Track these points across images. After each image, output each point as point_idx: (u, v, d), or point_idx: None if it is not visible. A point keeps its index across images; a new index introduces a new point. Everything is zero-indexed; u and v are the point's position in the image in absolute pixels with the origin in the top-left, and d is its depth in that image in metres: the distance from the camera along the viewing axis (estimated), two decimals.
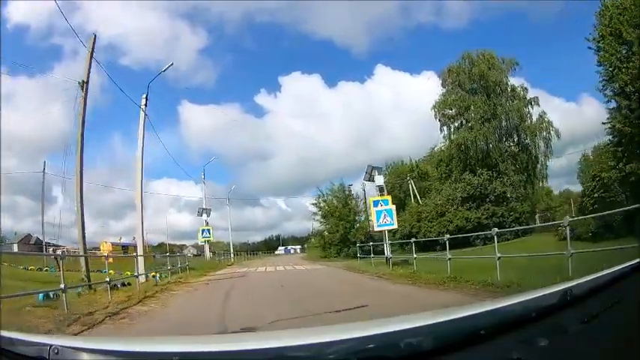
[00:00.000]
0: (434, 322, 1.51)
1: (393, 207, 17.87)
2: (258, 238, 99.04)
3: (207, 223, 33.07)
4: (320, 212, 36.83)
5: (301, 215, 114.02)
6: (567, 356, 1.36)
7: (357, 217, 36.45)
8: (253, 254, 60.15)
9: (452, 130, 35.14)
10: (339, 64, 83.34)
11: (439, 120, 35.25)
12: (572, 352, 1.37)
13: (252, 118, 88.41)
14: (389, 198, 18.55)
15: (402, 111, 72.77)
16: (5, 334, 1.48)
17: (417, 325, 1.49)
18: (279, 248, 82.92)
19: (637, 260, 1.69)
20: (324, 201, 36.77)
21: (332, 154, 75.85)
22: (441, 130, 35.60)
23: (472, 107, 33.07)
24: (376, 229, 18.02)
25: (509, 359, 1.28)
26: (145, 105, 17.22)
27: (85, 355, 1.38)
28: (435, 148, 40.05)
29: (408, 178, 40.70)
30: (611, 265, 1.73)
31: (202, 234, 32.43)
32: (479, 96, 33.05)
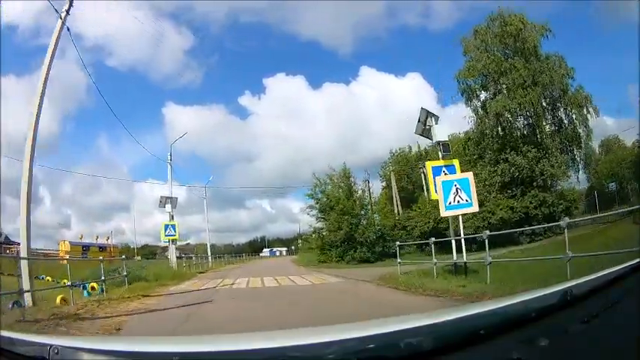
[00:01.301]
0: (434, 322, 1.51)
1: (470, 175, 11.46)
2: (242, 239, 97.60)
3: (172, 218, 25.01)
4: (317, 205, 30.03)
5: (286, 217, 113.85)
6: (567, 356, 1.36)
7: (363, 211, 30.31)
8: (237, 257, 55.20)
9: (484, 101, 28.18)
10: (325, 66, 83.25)
11: (463, 92, 28.63)
12: (572, 352, 1.37)
13: (237, 119, 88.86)
14: (456, 162, 12.34)
15: (387, 112, 72.79)
16: (5, 334, 1.48)
17: (417, 325, 1.50)
18: (264, 250, 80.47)
19: (637, 260, 1.69)
20: (323, 191, 30.02)
21: (316, 155, 75.83)
22: (468, 104, 28.90)
23: (509, 73, 26.27)
24: (444, 213, 11.26)
25: (509, 359, 1.28)
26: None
27: (85, 355, 1.38)
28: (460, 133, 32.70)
29: (421, 165, 32.04)
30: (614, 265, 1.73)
31: (165, 231, 24.39)
32: (516, 59, 26.42)
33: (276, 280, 15.97)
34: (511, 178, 25.75)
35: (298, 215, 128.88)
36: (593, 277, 1.70)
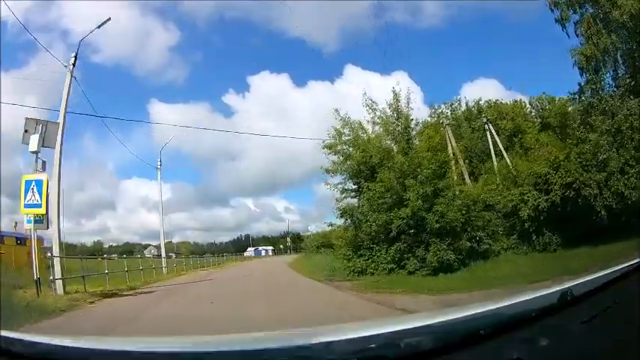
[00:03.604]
0: (434, 322, 1.51)
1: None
2: (226, 238, 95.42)
3: (41, 167, 12.68)
4: (344, 168, 16.75)
5: (270, 215, 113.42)
6: (567, 356, 1.36)
7: (447, 168, 16.27)
8: (220, 256, 48.40)
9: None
10: (309, 64, 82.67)
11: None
12: (572, 352, 1.37)
13: (221, 117, 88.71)
14: None
15: (372, 111, 72.10)
16: (5, 334, 1.48)
17: (417, 325, 1.50)
18: (249, 249, 76.40)
19: (637, 260, 1.69)
20: (354, 142, 16.86)
21: (301, 154, 75.13)
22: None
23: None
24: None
25: (509, 359, 1.28)
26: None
27: (84, 355, 1.38)
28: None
29: (485, 119, 23.02)
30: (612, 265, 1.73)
31: (25, 196, 11.84)
32: None
33: None
34: None
35: (283, 214, 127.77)
36: (593, 277, 1.70)
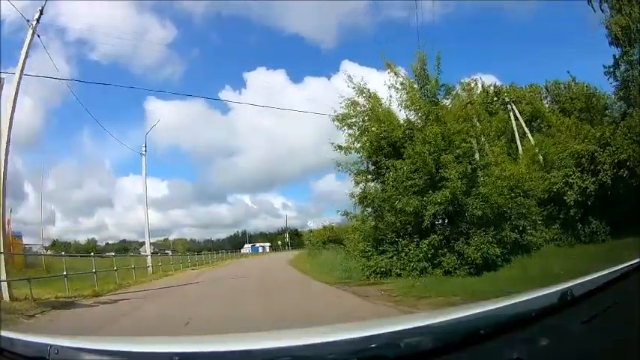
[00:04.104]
0: (434, 322, 1.51)
1: None
2: (223, 235, 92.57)
3: None
4: (361, 139, 13.82)
5: (267, 212, 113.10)
6: (567, 356, 1.36)
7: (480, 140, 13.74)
8: (215, 252, 46.34)
9: None
10: (306, 60, 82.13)
11: None
12: (572, 352, 1.37)
13: (218, 114, 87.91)
14: None
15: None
16: (5, 334, 1.48)
17: (417, 325, 1.50)
18: (246, 246, 73.49)
19: (637, 260, 1.69)
20: (370, 113, 13.94)
21: (298, 150, 74.71)
22: None
23: None
24: None
25: (510, 359, 1.28)
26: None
27: (85, 355, 1.38)
28: None
29: (508, 99, 21.28)
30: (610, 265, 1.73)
31: None
32: None
33: None
34: None
35: (281, 211, 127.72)
36: (593, 277, 1.70)
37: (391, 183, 12.30)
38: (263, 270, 22.03)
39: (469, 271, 11.05)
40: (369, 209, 13.73)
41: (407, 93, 13.58)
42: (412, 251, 11.89)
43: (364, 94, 14.11)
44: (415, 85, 13.64)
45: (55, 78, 15.47)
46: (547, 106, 26.59)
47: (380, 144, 13.32)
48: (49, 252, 26.64)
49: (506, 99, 21.64)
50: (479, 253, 11.06)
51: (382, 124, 13.26)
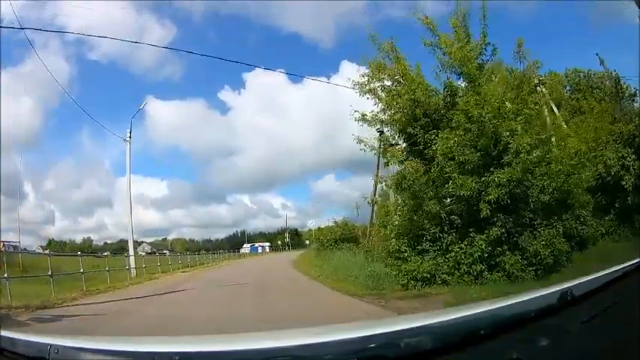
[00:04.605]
0: (434, 322, 1.51)
1: None
2: (222, 235, 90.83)
3: None
4: (392, 107, 11.21)
5: (267, 212, 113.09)
6: (567, 356, 1.36)
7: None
8: (213, 252, 45.03)
9: None
10: (305, 60, 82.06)
11: None
12: (572, 352, 1.37)
13: (217, 114, 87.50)
14: None
15: (367, 107, 71.29)
16: (5, 334, 1.48)
17: (417, 325, 1.50)
18: (245, 246, 71.59)
19: (637, 260, 1.69)
20: (397, 65, 11.23)
21: (297, 150, 74.22)
22: None
23: None
24: None
25: (510, 359, 1.28)
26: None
27: (85, 355, 1.38)
28: None
29: (538, 80, 17.36)
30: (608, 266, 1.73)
31: None
32: None
33: None
34: None
35: (280, 211, 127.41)
36: (593, 277, 1.70)
37: (440, 158, 9.46)
38: (263, 271, 20.35)
39: (535, 274, 8.87)
40: (402, 198, 10.75)
41: (445, 53, 10.63)
42: (464, 250, 9.22)
43: (392, 56, 11.28)
44: (455, 45, 10.55)
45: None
46: (567, 95, 25.82)
47: (414, 114, 10.61)
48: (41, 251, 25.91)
49: (536, 80, 19.81)
50: (548, 250, 8.81)
51: (418, 87, 10.58)
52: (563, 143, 11.03)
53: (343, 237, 20.36)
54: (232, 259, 42.92)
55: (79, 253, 18.40)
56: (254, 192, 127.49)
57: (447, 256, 9.45)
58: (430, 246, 9.79)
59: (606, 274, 1.69)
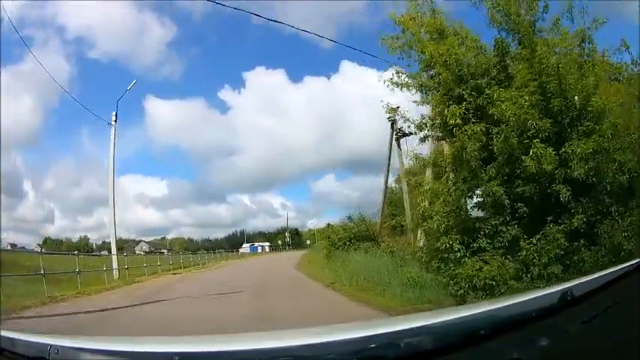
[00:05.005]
0: (434, 322, 1.51)
1: None
2: (221, 234, 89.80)
3: None
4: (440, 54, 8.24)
5: (266, 212, 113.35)
6: (567, 356, 1.36)
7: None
8: (212, 252, 43.47)
9: None
10: (305, 60, 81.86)
11: None
12: (572, 352, 1.37)
13: (217, 113, 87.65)
14: None
15: (368, 107, 71.27)
16: (5, 334, 1.48)
17: (417, 325, 1.50)
18: (244, 245, 70.38)
19: (637, 260, 1.69)
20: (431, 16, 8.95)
21: (297, 150, 74.38)
22: None
23: None
24: None
25: (510, 359, 1.28)
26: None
27: (85, 355, 1.38)
28: None
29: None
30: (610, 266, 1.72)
31: None
32: None
33: None
34: None
35: (280, 210, 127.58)
36: (593, 277, 1.70)
37: (512, 121, 7.37)
38: (264, 272, 18.42)
39: None
40: (454, 179, 8.47)
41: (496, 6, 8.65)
42: (536, 246, 7.29)
43: (427, 7, 9.21)
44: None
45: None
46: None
47: (461, 74, 8.37)
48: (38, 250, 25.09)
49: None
50: (632, 243, 6.93)
51: (464, 40, 8.77)
52: None
53: (359, 235, 18.02)
54: (231, 259, 42.19)
55: (73, 252, 17.57)
56: (254, 191, 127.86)
57: (517, 255, 7.48)
58: (488, 243, 7.70)
59: (606, 274, 1.69)
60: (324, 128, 75.18)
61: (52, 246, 36.87)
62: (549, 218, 7.41)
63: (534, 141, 7.26)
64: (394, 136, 18.64)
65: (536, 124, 7.32)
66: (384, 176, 20.42)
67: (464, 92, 8.28)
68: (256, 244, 73.00)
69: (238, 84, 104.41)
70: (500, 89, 7.98)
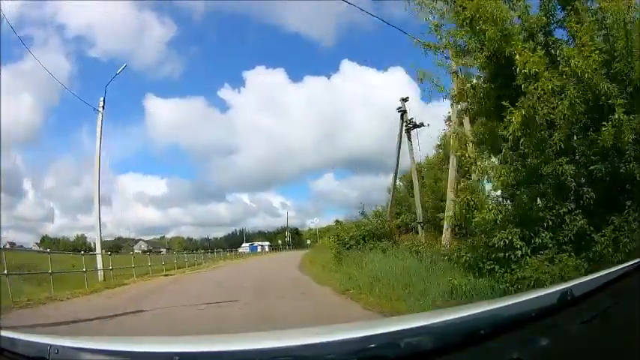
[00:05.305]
0: (434, 322, 1.51)
1: None
2: (221, 233, 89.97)
3: None
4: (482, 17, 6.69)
5: (266, 211, 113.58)
6: (567, 356, 1.36)
7: None
8: (211, 251, 42.76)
9: None
10: (305, 59, 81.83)
11: None
12: (572, 352, 1.37)
13: (217, 112, 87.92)
14: None
15: (368, 107, 71.17)
16: (5, 334, 1.48)
17: (417, 325, 1.50)
18: (244, 245, 68.80)
19: (637, 260, 1.69)
20: None
21: (297, 149, 74.44)
22: None
23: None
24: None
25: (510, 359, 1.28)
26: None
27: (85, 355, 1.38)
28: None
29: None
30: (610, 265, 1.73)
31: None
32: None
33: None
34: None
35: (279, 210, 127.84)
36: (593, 277, 1.70)
37: (586, 78, 6.07)
38: (265, 274, 17.05)
39: None
40: (510, 159, 7.18)
41: None
42: (608, 241, 6.07)
43: None
44: None
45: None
46: None
47: (506, 34, 6.80)
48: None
49: None
50: None
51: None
52: None
53: (374, 232, 16.17)
54: (229, 259, 40.87)
55: (46, 250, 16.33)
56: (253, 191, 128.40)
57: (580, 253, 6.26)
58: (550, 238, 6.44)
59: (606, 274, 1.69)
60: (323, 127, 75.33)
61: (50, 244, 36.79)
62: (628, 203, 6.04)
63: (617, 104, 5.86)
64: (404, 128, 18.26)
65: (607, 87, 6.02)
66: (389, 174, 20.34)
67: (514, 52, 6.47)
68: (256, 244, 72.76)
69: (238, 83, 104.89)
70: (562, 44, 6.87)
